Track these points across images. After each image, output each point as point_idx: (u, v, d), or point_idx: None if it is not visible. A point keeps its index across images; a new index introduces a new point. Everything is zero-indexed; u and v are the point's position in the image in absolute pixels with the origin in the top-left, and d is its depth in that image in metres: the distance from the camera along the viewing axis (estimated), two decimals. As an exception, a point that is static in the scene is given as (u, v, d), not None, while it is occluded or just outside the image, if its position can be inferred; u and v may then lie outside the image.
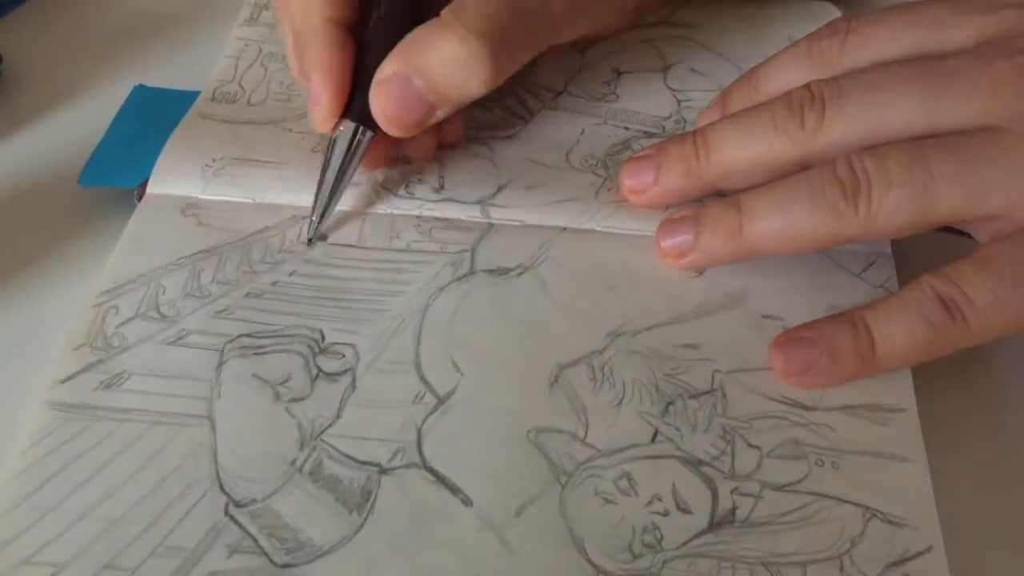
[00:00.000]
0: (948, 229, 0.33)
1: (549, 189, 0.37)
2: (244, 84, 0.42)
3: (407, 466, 0.30)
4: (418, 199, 0.37)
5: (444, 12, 0.33)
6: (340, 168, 0.35)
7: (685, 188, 0.35)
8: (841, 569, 0.28)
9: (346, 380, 0.32)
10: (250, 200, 0.37)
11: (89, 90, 0.44)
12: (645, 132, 0.40)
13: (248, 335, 0.33)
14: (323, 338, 0.33)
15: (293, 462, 0.30)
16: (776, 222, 0.32)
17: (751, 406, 0.31)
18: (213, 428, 0.31)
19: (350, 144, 0.35)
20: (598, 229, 0.36)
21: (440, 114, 0.34)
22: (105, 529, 0.28)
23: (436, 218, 0.37)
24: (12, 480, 0.29)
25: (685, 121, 0.40)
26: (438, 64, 0.33)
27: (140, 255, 0.35)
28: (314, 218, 0.36)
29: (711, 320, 0.34)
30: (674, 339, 0.33)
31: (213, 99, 0.41)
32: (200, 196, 0.37)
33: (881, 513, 0.29)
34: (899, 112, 0.32)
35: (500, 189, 0.37)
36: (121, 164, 0.38)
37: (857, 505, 0.29)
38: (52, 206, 0.39)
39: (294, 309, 0.34)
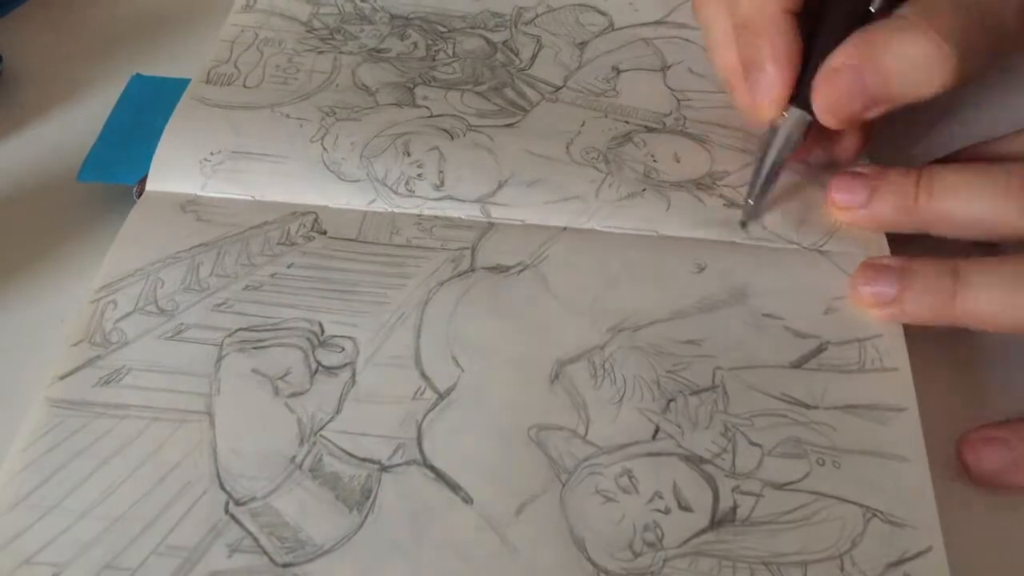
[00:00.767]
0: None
1: (550, 186, 0.37)
2: (239, 66, 0.42)
3: (407, 463, 0.30)
4: (418, 197, 0.37)
5: (910, 12, 0.33)
6: (779, 152, 0.35)
7: (894, 223, 0.34)
8: (842, 569, 0.28)
9: (346, 375, 0.32)
10: (250, 197, 0.37)
11: (88, 88, 0.43)
12: (646, 127, 0.40)
13: (247, 329, 0.33)
14: (322, 331, 0.33)
15: (293, 459, 0.30)
16: (998, 303, 0.31)
17: (752, 403, 0.31)
18: (212, 424, 0.30)
19: (791, 130, 0.35)
20: (599, 229, 0.36)
21: (875, 112, 0.34)
22: (105, 528, 0.28)
23: (436, 216, 0.36)
24: (12, 478, 0.29)
25: (685, 119, 0.40)
26: (897, 62, 0.32)
27: (138, 249, 0.35)
28: (750, 201, 0.36)
29: (712, 316, 0.33)
30: (675, 335, 0.33)
31: (208, 81, 0.41)
32: (200, 193, 0.37)
33: (881, 513, 0.29)
34: None
35: (500, 186, 0.37)
36: (120, 159, 0.38)
37: (858, 505, 0.29)
38: (51, 204, 0.38)
39: (293, 301, 0.34)
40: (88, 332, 0.32)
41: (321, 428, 0.30)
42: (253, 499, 0.29)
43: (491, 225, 0.36)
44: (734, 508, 0.29)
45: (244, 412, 0.31)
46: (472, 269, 0.35)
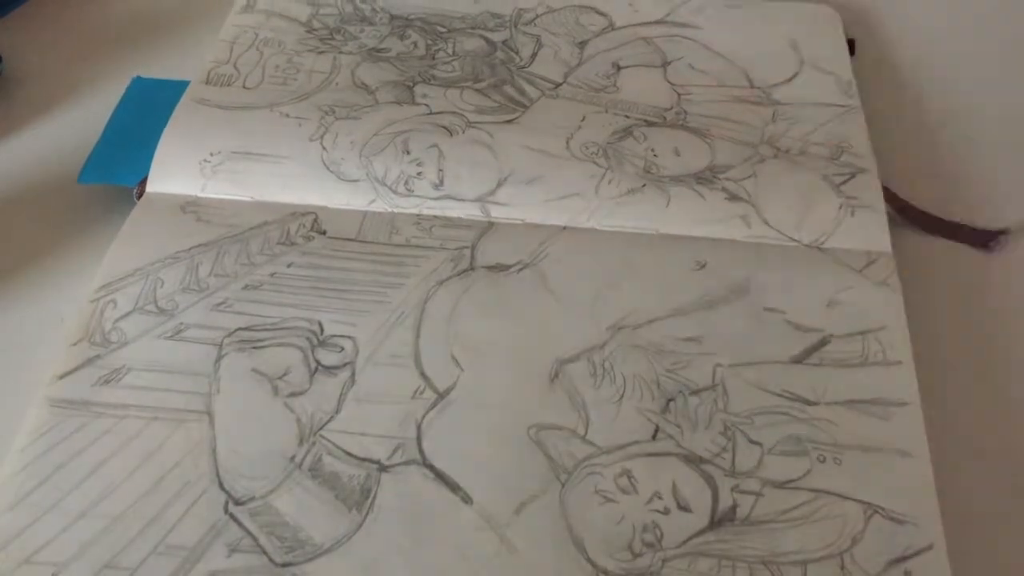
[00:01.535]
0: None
1: (549, 183, 0.37)
2: (239, 66, 0.42)
3: (407, 463, 0.30)
4: (417, 196, 0.37)
5: None
6: None
7: None
8: (842, 567, 0.27)
9: (345, 374, 0.32)
10: (249, 198, 0.37)
11: (88, 89, 0.44)
12: (647, 121, 0.40)
13: (246, 328, 0.33)
14: (322, 330, 0.33)
15: (292, 458, 0.30)
16: None
17: (752, 401, 0.31)
18: (212, 424, 0.30)
19: None
20: (598, 228, 0.36)
21: None
22: (105, 528, 0.28)
23: (436, 216, 0.36)
24: (11, 478, 0.29)
25: (686, 113, 0.40)
26: None
27: (138, 249, 0.35)
28: None
29: (713, 312, 0.33)
30: (675, 332, 0.33)
31: (207, 81, 0.41)
32: (200, 195, 0.37)
33: (883, 510, 0.29)
34: None
35: (500, 184, 0.37)
36: (120, 160, 0.38)
37: (859, 502, 0.29)
38: (52, 205, 0.39)
39: (293, 300, 0.34)
40: (88, 331, 0.32)
41: (320, 428, 0.30)
42: (252, 499, 0.29)
43: (490, 224, 0.36)
44: (733, 508, 0.29)
45: (244, 412, 0.31)
46: (471, 268, 0.35)
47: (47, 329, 0.34)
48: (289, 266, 0.35)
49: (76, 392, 0.31)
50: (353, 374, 0.32)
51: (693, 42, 0.44)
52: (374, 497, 0.29)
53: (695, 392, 0.31)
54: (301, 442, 0.30)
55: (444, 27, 0.44)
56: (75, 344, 0.32)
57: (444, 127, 0.39)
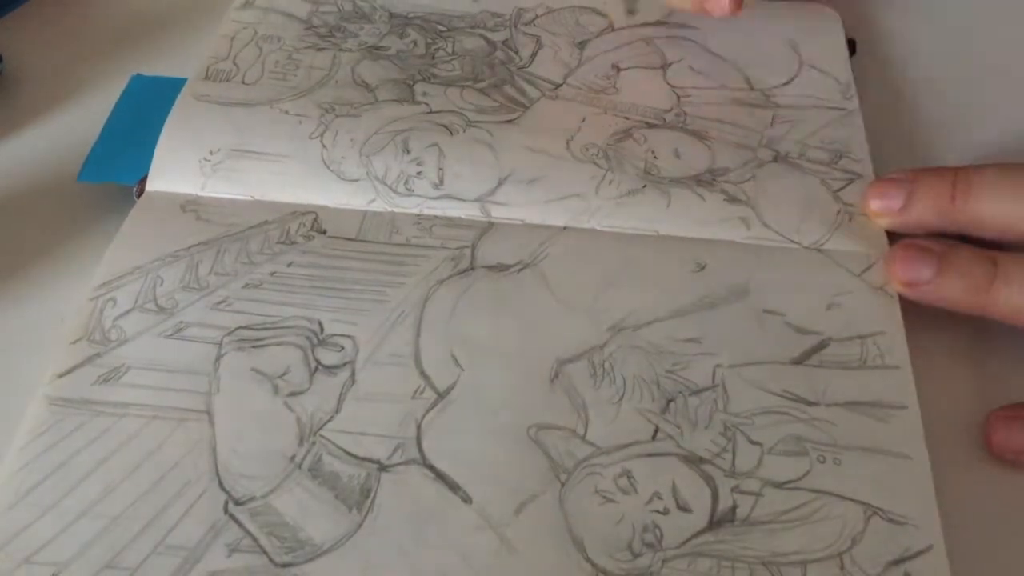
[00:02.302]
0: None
1: (550, 184, 0.37)
2: (238, 62, 0.42)
3: (407, 463, 0.30)
4: (417, 196, 0.37)
5: None
6: None
7: (932, 225, 0.34)
8: (841, 568, 0.28)
9: (345, 373, 0.32)
10: (249, 197, 0.37)
11: (88, 88, 0.43)
12: (646, 123, 0.40)
13: (246, 327, 0.33)
14: (322, 329, 0.33)
15: (292, 458, 0.30)
16: None
17: (753, 401, 0.31)
18: (212, 423, 0.30)
19: None
20: (599, 228, 0.36)
21: None
22: (105, 527, 0.28)
23: (436, 216, 0.36)
24: (11, 477, 0.29)
25: (686, 115, 0.40)
26: None
27: (137, 248, 0.35)
28: None
29: (713, 314, 0.33)
30: (675, 333, 0.33)
31: (207, 77, 0.41)
32: (200, 194, 0.37)
33: (882, 511, 0.29)
34: None
35: (500, 184, 0.37)
36: (120, 159, 0.38)
37: (858, 503, 0.29)
38: (51, 204, 0.38)
39: (293, 299, 0.34)
40: (87, 330, 0.32)
41: (320, 427, 0.30)
42: (252, 498, 0.29)
43: (491, 224, 0.36)
44: (733, 508, 0.29)
45: (243, 411, 0.31)
46: (472, 268, 0.35)
47: (47, 328, 0.34)
48: (289, 265, 0.35)
49: (75, 391, 0.31)
50: (353, 373, 0.32)
51: (693, 43, 0.44)
52: (374, 497, 0.29)
53: (695, 392, 0.31)
54: (301, 442, 0.30)
55: (444, 26, 0.44)
56: (74, 342, 0.32)
57: (444, 126, 0.39)
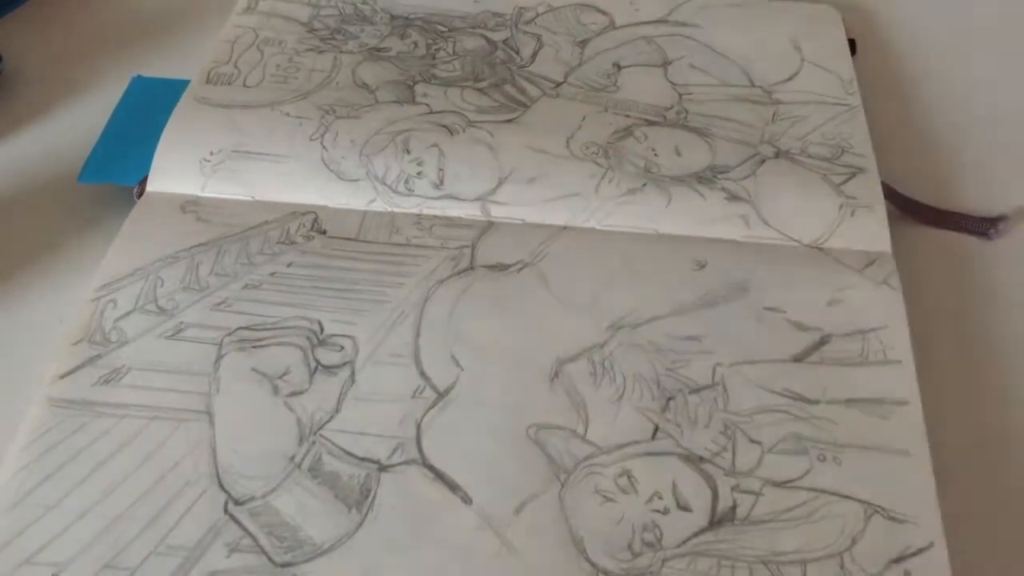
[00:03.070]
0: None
1: (550, 183, 0.37)
2: (240, 66, 0.42)
3: (406, 463, 0.30)
4: (418, 196, 0.37)
5: None
6: None
7: None
8: (842, 566, 0.27)
9: (345, 373, 0.32)
10: (249, 197, 0.37)
11: (88, 89, 0.44)
12: (647, 120, 0.39)
13: (246, 328, 0.33)
14: (322, 329, 0.33)
15: (292, 458, 0.30)
16: None
17: (753, 400, 0.31)
18: (212, 423, 0.30)
19: None
20: (599, 227, 0.36)
21: None
22: (105, 528, 0.28)
23: (436, 216, 0.36)
24: (12, 478, 0.29)
25: (687, 112, 0.40)
26: None
27: (138, 249, 0.35)
28: None
29: (713, 311, 0.33)
30: (675, 331, 0.33)
31: (208, 81, 0.41)
32: (200, 194, 0.37)
33: (883, 509, 0.28)
34: None
35: (500, 183, 0.37)
36: (120, 159, 0.38)
37: (859, 501, 0.29)
38: (52, 204, 0.39)
39: (293, 300, 0.34)
40: (88, 331, 0.32)
41: (320, 427, 0.30)
42: (252, 498, 0.29)
43: (491, 224, 0.36)
44: (733, 507, 0.29)
45: (243, 411, 0.31)
46: (471, 267, 0.35)
47: (47, 329, 0.34)
48: (289, 265, 0.35)
49: (76, 392, 0.31)
50: (353, 373, 0.32)
51: (694, 41, 0.44)
52: (374, 497, 0.29)
53: (695, 391, 0.31)
54: (301, 442, 0.30)
55: (444, 26, 0.44)
56: (75, 344, 0.32)
57: (444, 126, 0.39)
